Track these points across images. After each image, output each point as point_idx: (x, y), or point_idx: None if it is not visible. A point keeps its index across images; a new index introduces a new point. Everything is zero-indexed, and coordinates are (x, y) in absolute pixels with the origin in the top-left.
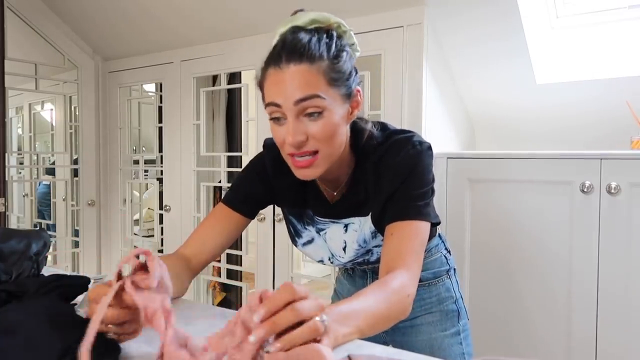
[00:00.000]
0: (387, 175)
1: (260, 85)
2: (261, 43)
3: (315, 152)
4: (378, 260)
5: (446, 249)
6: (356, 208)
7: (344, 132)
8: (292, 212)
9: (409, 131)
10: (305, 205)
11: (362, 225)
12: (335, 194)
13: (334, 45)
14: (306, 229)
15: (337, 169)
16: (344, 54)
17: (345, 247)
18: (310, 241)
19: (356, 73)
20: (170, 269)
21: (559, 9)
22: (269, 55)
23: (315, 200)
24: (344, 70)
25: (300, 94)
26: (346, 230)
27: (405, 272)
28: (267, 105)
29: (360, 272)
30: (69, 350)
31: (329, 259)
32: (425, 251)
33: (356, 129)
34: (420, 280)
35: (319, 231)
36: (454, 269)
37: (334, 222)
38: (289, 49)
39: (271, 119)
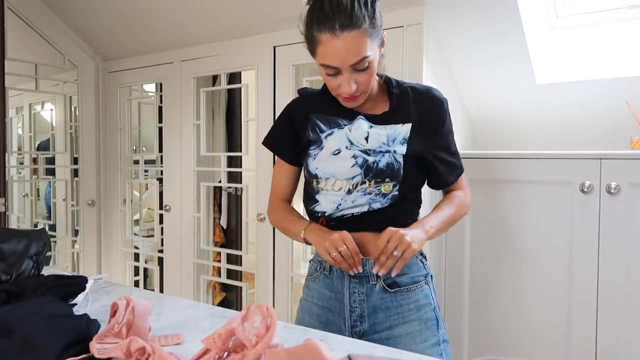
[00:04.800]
0: (431, 110)
1: (310, 39)
2: (261, 43)
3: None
4: (377, 213)
5: (422, 254)
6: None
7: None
8: (321, 117)
9: None
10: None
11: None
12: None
13: (369, 5)
14: (330, 127)
15: None
16: (377, 6)
17: (367, 137)
18: (330, 133)
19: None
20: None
21: (559, 9)
22: (316, 15)
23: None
24: (379, 25)
25: (355, 59)
26: (371, 127)
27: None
28: (322, 64)
29: (339, 272)
30: (66, 350)
31: (346, 147)
32: None
33: None
34: (398, 286)
35: (342, 127)
36: (431, 276)
37: (361, 119)
38: (340, 15)
39: (326, 73)
